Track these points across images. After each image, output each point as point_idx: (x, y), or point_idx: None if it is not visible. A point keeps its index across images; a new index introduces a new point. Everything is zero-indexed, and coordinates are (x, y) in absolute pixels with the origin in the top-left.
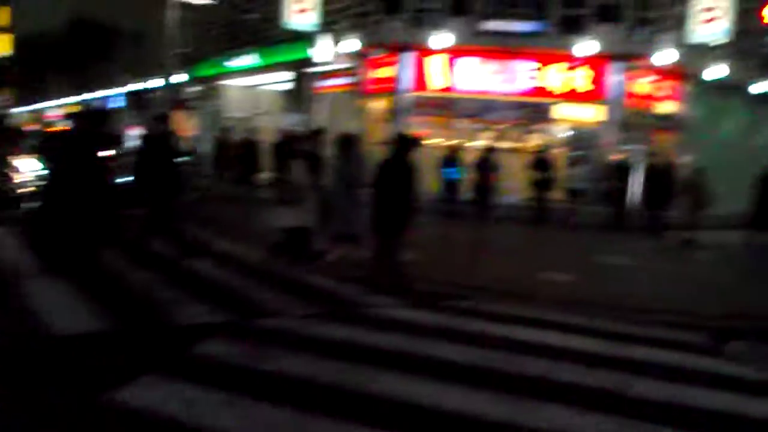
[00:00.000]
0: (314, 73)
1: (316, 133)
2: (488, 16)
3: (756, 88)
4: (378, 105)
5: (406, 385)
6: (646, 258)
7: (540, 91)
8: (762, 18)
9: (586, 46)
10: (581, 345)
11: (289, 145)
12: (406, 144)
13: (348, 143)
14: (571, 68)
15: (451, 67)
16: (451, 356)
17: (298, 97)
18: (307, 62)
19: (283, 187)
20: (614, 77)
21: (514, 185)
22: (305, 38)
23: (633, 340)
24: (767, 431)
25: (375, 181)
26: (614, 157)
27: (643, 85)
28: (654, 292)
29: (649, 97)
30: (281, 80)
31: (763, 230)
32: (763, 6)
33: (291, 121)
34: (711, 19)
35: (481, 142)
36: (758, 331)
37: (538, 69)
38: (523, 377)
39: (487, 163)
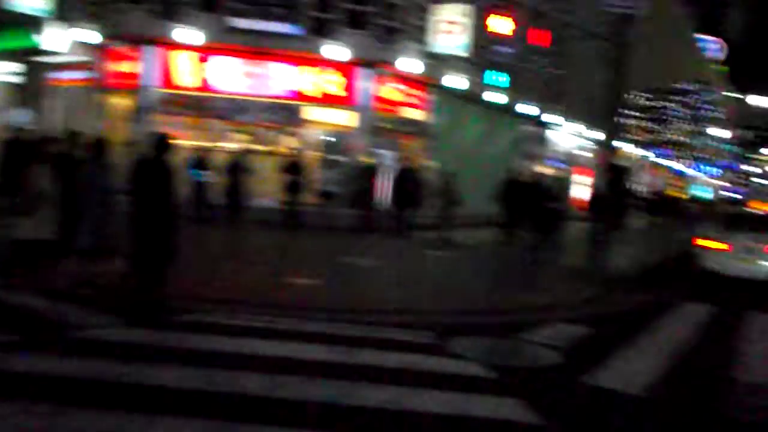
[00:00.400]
0: (47, 65)
1: (72, 135)
2: (239, 14)
3: (490, 97)
4: (121, 102)
5: (101, 422)
6: (391, 259)
7: (293, 93)
8: (486, 27)
9: (337, 50)
10: (311, 354)
11: (29, 147)
12: (163, 145)
13: (101, 147)
14: (321, 72)
15: (202, 65)
16: (165, 381)
17: (28, 91)
18: (39, 52)
19: (17, 194)
20: (363, 83)
21: (268, 188)
22: (34, 24)
23: (366, 344)
24: (490, 429)
25: (132, 186)
26: (363, 160)
27: (391, 91)
28: (394, 293)
29: (397, 103)
30: (7, 71)
31: (508, 229)
32: (487, 16)
33: (19, 119)
34: (454, 32)
35: (234, 144)
36: (483, 326)
37: (292, 72)
38: (241, 397)
39: (238, 165)
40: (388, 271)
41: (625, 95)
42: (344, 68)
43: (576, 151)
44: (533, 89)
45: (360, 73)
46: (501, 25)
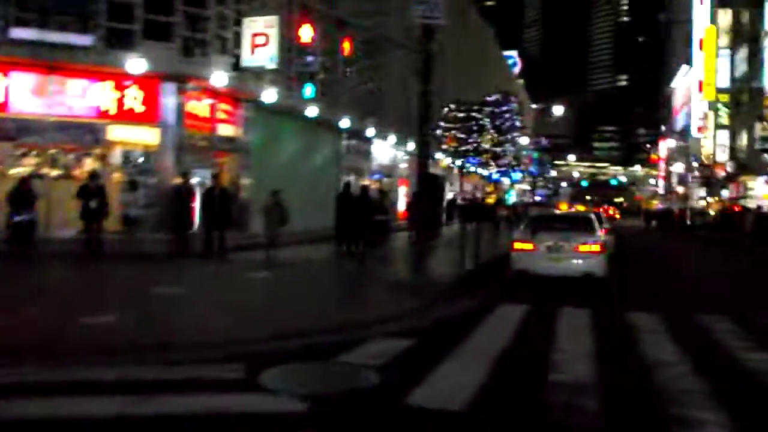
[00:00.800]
0: None
1: None
2: (20, 23)
3: (306, 111)
4: None
5: None
6: (206, 285)
7: (91, 111)
8: (299, 38)
9: (137, 63)
10: (95, 409)
11: None
12: None
13: None
14: (121, 87)
15: None
16: None
17: None
18: None
19: None
20: (169, 98)
21: (64, 216)
22: None
23: (164, 388)
24: None
25: None
26: (174, 180)
27: (202, 107)
28: (207, 323)
29: (208, 120)
30: None
31: (340, 243)
32: (298, 25)
33: None
34: (261, 44)
35: (21, 169)
36: (300, 351)
37: (88, 87)
38: None
39: (22, 192)
40: (202, 300)
41: (441, 108)
42: (147, 83)
43: (396, 163)
44: (351, 102)
45: (165, 87)
46: (305, 33)
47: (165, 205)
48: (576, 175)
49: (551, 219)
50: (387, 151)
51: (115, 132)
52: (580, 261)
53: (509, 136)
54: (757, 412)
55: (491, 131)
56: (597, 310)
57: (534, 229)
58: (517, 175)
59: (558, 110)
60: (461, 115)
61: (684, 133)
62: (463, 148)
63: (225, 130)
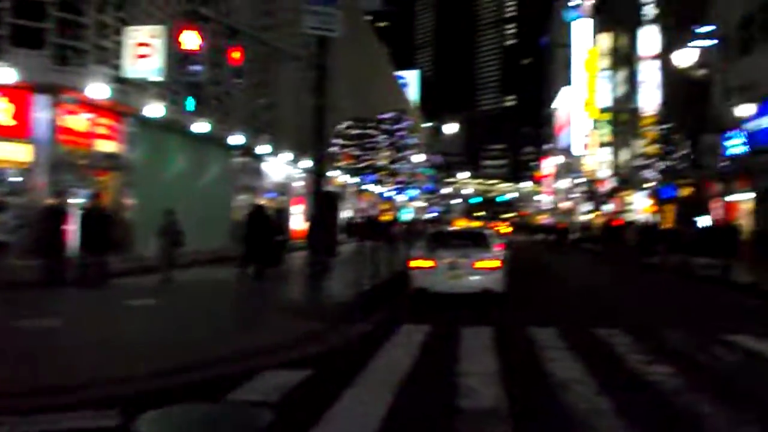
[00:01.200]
0: None
1: None
2: None
3: (195, 127)
4: None
5: None
6: (81, 315)
7: None
8: (180, 44)
9: (4, 72)
10: None
11: None
12: None
13: None
14: None
15: None
16: None
17: None
18: None
19: None
20: (41, 112)
21: None
22: None
23: None
24: None
25: None
26: (48, 201)
27: (80, 121)
28: (78, 360)
29: (86, 135)
30: None
31: (242, 264)
32: (180, 32)
33: None
34: (145, 55)
35: None
36: (185, 389)
37: None
38: None
39: None
40: (75, 333)
41: (336, 125)
42: (16, 94)
43: (290, 181)
44: (243, 118)
45: (35, 100)
46: (191, 40)
47: (36, 227)
48: (467, 191)
49: (449, 236)
50: (281, 168)
51: None
52: (480, 277)
53: (404, 154)
54: (666, 429)
55: (385, 149)
56: (499, 327)
57: (432, 246)
58: (413, 192)
59: (450, 128)
60: (356, 132)
61: (568, 151)
62: (359, 165)
63: (106, 146)
